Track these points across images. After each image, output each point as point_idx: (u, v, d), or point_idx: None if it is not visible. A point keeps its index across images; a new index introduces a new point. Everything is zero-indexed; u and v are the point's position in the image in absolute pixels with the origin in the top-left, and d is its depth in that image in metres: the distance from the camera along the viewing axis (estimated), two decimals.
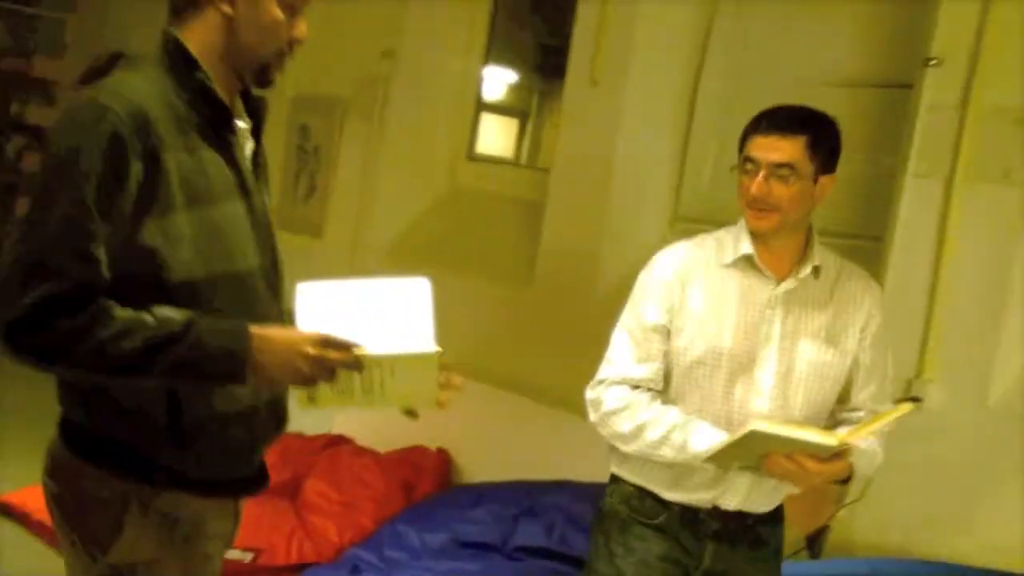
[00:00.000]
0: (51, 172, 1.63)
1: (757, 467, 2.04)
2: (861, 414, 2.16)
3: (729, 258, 2.11)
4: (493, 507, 3.74)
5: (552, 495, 3.72)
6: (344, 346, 1.70)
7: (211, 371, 1.67)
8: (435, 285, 4.81)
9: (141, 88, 1.69)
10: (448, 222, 5.00)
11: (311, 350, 1.68)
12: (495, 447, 4.23)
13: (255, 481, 2.01)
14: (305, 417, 4.92)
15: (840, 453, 1.97)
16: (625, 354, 2.21)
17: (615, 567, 2.27)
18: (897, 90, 3.40)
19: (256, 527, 3.67)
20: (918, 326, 3.11)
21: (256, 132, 1.93)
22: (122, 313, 1.62)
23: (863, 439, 2.00)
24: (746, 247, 2.08)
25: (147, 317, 1.63)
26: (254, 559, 3.60)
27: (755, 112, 2.18)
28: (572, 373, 4.19)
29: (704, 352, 2.11)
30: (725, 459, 2.05)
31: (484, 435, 4.28)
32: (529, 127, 5.78)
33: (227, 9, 1.75)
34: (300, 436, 4.57)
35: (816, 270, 2.08)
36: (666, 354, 2.16)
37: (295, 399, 1.77)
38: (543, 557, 3.51)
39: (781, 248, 2.07)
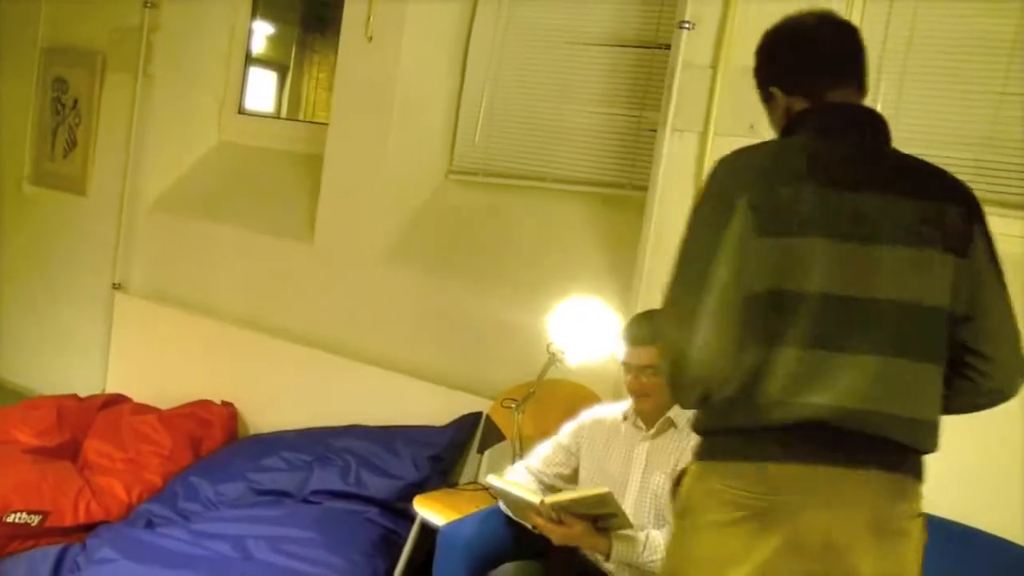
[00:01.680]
0: None
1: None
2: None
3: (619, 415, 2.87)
4: (287, 455, 3.83)
5: (343, 439, 3.86)
6: None
7: None
8: (211, 241, 4.83)
9: None
10: (221, 177, 4.97)
11: None
12: (281, 397, 4.31)
13: None
14: (78, 379, 4.89)
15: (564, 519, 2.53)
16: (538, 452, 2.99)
17: None
18: (657, 51, 3.71)
19: (39, 490, 3.63)
20: None
21: None
22: None
23: (564, 502, 2.52)
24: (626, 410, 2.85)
25: None
26: (41, 522, 3.55)
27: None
28: (354, 323, 4.35)
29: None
30: (514, 510, 2.73)
31: (269, 386, 4.35)
32: (288, 80, 5.78)
33: None
34: (74, 397, 4.47)
35: (669, 421, 2.73)
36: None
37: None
38: (340, 499, 3.64)
39: (653, 411, 2.76)
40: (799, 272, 1.75)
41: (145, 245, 4.97)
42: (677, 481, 1.93)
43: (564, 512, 2.49)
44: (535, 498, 2.53)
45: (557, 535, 2.52)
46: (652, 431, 2.75)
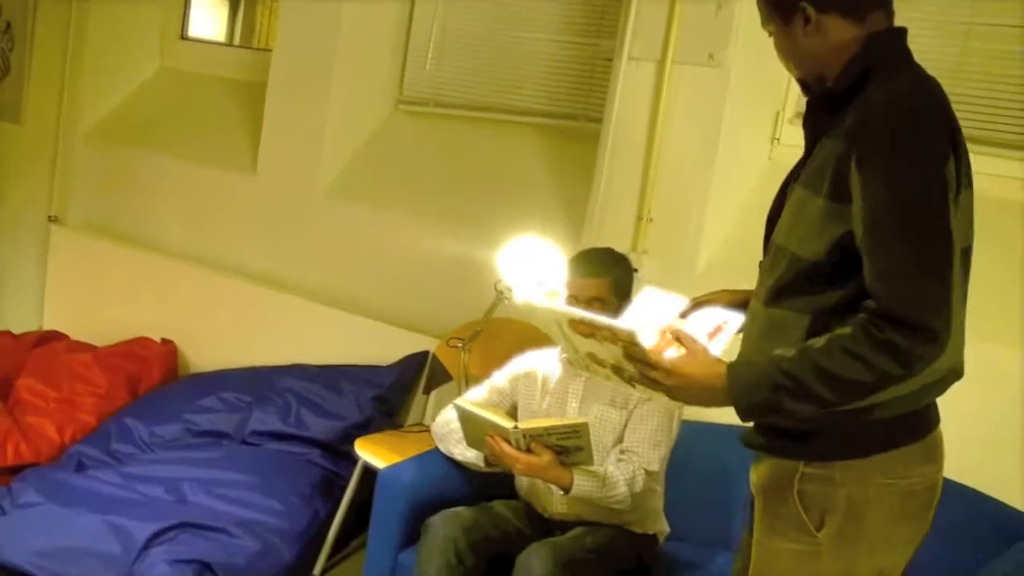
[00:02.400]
0: None
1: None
2: (632, 455, 2.55)
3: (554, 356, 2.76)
4: (225, 395, 3.69)
5: (284, 379, 3.72)
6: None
7: None
8: (151, 171, 4.63)
9: None
10: (162, 105, 4.75)
11: None
12: (222, 335, 4.16)
13: None
14: (13, 316, 4.70)
15: (533, 448, 2.38)
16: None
17: None
18: None
19: None
20: (633, 202, 3.30)
21: None
22: None
23: (538, 429, 2.38)
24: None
25: None
26: None
27: None
28: (298, 259, 4.19)
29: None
30: (473, 441, 2.53)
31: (210, 323, 4.19)
32: (241, 8, 5.54)
33: None
34: (7, 334, 4.31)
35: None
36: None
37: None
38: (279, 440, 3.52)
39: None
40: (969, 226, 1.64)
41: (82, 176, 4.75)
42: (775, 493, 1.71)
43: (534, 440, 2.38)
44: (507, 423, 2.40)
45: (522, 464, 2.38)
46: None
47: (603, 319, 1.70)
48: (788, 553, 1.66)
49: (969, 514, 2.54)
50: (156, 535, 2.91)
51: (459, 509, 2.55)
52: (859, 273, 1.54)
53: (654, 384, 1.65)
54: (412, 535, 2.61)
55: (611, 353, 1.71)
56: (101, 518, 2.96)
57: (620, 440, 2.60)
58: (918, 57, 1.68)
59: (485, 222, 3.60)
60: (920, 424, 1.66)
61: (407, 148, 4.08)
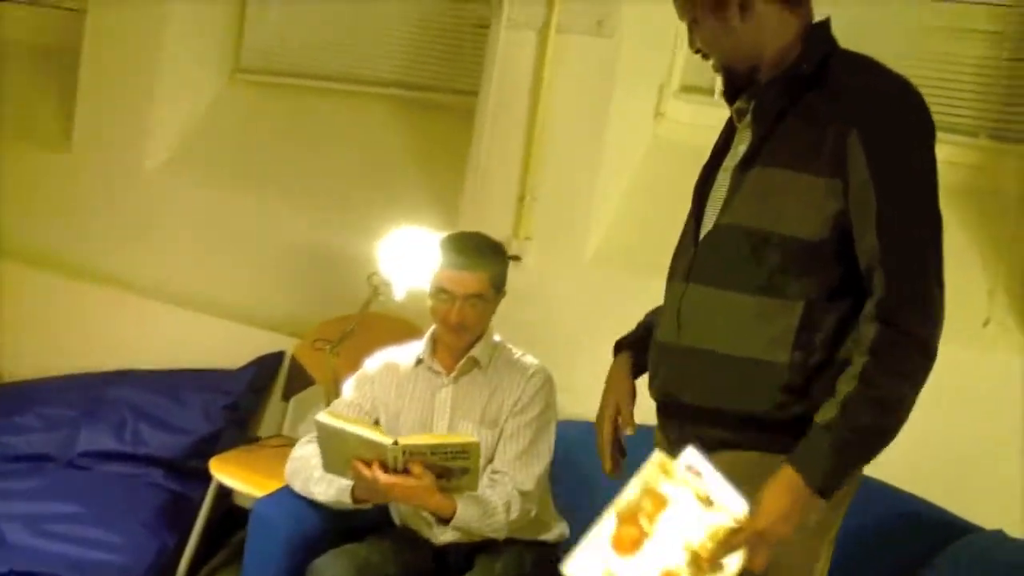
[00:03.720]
0: None
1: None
2: (503, 476, 2.27)
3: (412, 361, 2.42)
4: (46, 410, 3.20)
5: (116, 388, 3.26)
6: None
7: None
8: None
9: None
10: None
11: None
12: (39, 337, 3.64)
13: None
14: None
15: (412, 469, 2.05)
16: None
17: None
18: None
19: None
20: (513, 184, 3.00)
21: None
22: None
23: (422, 447, 2.06)
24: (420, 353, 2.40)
25: None
26: None
27: None
28: (126, 248, 3.70)
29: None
30: (335, 466, 2.13)
31: (24, 323, 3.68)
32: None
33: None
34: None
35: (473, 361, 2.34)
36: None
37: None
38: (114, 461, 3.07)
39: (455, 350, 2.36)
40: None
41: None
42: None
43: (414, 460, 2.04)
44: (384, 438, 2.03)
45: (399, 490, 2.05)
46: (453, 374, 2.34)
47: None
48: None
49: (898, 514, 2.40)
50: None
51: (348, 548, 2.21)
52: (850, 255, 1.55)
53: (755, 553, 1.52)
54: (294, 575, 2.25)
55: None
56: None
57: (491, 461, 2.31)
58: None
59: (343, 206, 3.26)
60: None
61: (249, 122, 3.67)
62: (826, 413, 1.50)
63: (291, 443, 3.01)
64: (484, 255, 2.31)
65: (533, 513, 2.27)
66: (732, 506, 1.49)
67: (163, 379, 3.28)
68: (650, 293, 2.90)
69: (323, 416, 2.08)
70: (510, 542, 2.26)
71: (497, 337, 2.42)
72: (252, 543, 2.27)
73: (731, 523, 1.48)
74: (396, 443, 2.01)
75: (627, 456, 1.88)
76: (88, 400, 3.21)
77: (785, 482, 1.49)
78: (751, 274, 1.60)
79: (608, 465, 1.87)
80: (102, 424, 3.13)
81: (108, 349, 3.46)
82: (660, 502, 1.52)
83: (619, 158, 3.02)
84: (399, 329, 3.02)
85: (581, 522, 2.53)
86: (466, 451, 2.04)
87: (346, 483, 2.20)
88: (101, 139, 3.69)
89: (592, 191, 2.97)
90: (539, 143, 2.97)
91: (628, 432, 1.86)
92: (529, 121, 2.97)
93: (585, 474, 2.60)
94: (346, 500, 2.22)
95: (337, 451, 2.09)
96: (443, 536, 2.28)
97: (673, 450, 1.69)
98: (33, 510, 2.78)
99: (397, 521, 2.40)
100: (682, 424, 1.69)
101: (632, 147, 3.07)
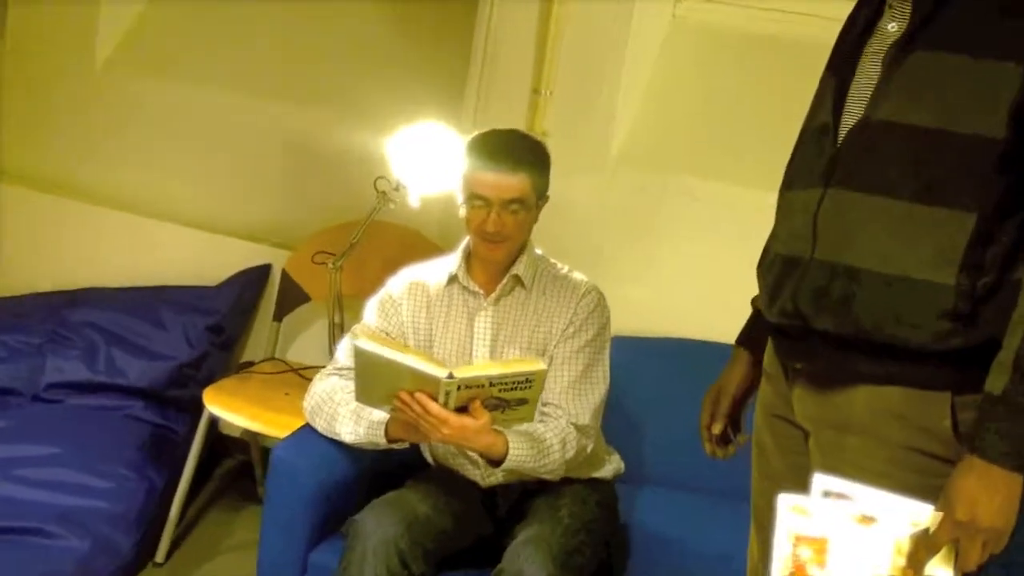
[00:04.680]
0: None
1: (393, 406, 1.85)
2: (556, 409, 2.02)
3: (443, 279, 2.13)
4: (4, 337, 2.84)
5: (81, 310, 2.92)
6: None
7: None
8: None
9: None
10: None
11: None
12: None
13: None
14: None
15: (470, 407, 1.79)
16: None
17: None
18: None
19: None
20: (527, 74, 2.68)
21: None
22: None
23: (481, 378, 1.77)
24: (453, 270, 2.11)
25: None
26: None
27: None
28: (78, 151, 3.28)
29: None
30: (372, 398, 1.87)
31: None
32: None
33: None
34: None
35: (516, 279, 2.08)
36: None
37: None
38: (87, 392, 2.74)
39: (493, 267, 2.09)
40: None
41: None
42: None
43: (470, 394, 1.76)
44: (439, 370, 1.74)
45: (452, 429, 1.77)
46: (494, 294, 2.06)
47: None
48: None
49: None
50: None
51: (389, 498, 1.94)
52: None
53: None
54: (322, 528, 1.98)
55: None
56: None
57: None
58: None
59: (334, 100, 2.93)
60: None
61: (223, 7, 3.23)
62: (997, 380, 1.25)
63: (287, 368, 2.75)
64: (524, 155, 2.02)
65: (590, 449, 2.03)
66: (906, 510, 1.25)
67: (134, 298, 2.95)
68: (685, 197, 2.66)
69: (363, 342, 1.78)
70: (566, 481, 2.02)
71: (539, 250, 2.14)
72: (274, 492, 1.98)
73: (914, 528, 1.23)
74: (451, 376, 1.73)
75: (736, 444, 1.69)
76: (50, 324, 2.87)
77: (976, 474, 1.25)
78: (913, 178, 1.34)
79: (707, 448, 1.68)
80: (70, 351, 2.80)
81: (67, 266, 3.09)
82: (820, 546, 1.26)
83: (644, 45, 2.72)
84: (401, 238, 2.73)
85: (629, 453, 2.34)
86: (530, 379, 1.76)
87: (378, 417, 1.94)
88: (36, 25, 3.27)
89: (617, 80, 2.67)
90: (556, 28, 2.65)
91: (715, 430, 1.66)
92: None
93: (625, 398, 2.39)
94: (379, 439, 1.95)
95: (377, 381, 1.81)
96: (490, 478, 2.03)
97: (791, 382, 1.48)
98: (2, 454, 2.46)
99: (430, 459, 2.13)
100: (811, 353, 1.43)
101: (653, 35, 2.77)
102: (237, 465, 3.10)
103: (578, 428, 1.98)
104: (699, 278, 2.65)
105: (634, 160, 2.70)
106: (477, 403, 1.76)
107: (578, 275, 2.11)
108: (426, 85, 2.87)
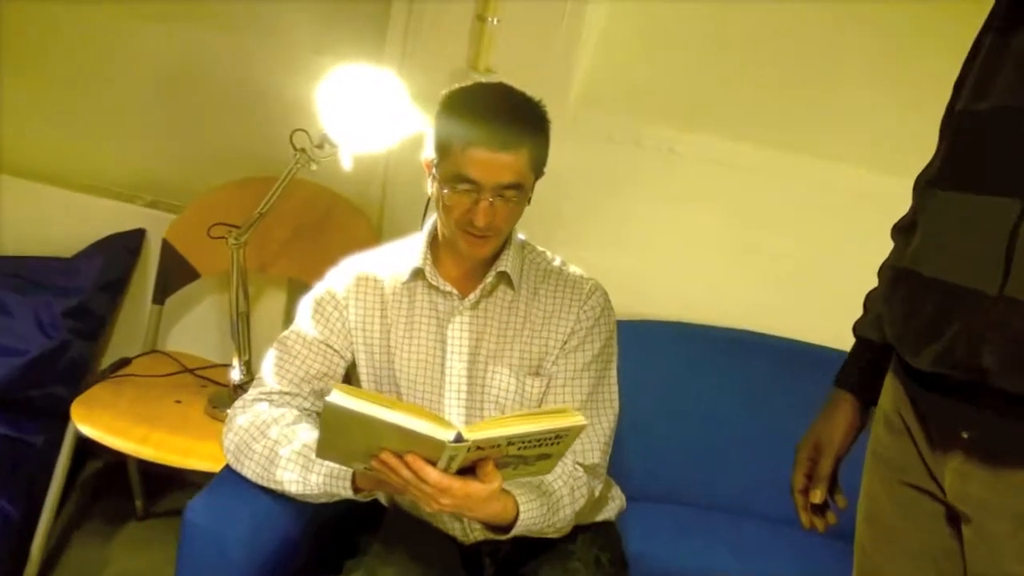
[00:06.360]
0: None
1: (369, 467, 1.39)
2: None
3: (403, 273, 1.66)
4: None
5: None
6: None
7: None
8: None
9: None
10: None
11: None
12: None
13: None
14: None
15: (479, 469, 1.32)
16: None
17: None
18: None
19: None
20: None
21: None
22: None
23: (499, 439, 1.27)
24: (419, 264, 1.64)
25: None
26: None
27: None
28: None
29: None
30: (342, 455, 1.41)
31: None
32: None
33: None
34: None
35: (503, 277, 1.63)
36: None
37: None
38: None
39: (471, 260, 1.62)
40: None
41: None
42: None
43: (485, 456, 1.30)
44: (444, 432, 1.25)
45: (456, 498, 1.30)
46: (473, 295, 1.60)
47: None
48: None
49: None
50: None
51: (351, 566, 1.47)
52: None
53: None
54: None
55: None
56: None
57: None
58: None
59: (224, 19, 2.33)
60: None
61: None
62: None
63: (179, 368, 2.20)
64: (526, 124, 1.50)
65: (598, 492, 1.59)
66: None
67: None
68: (662, 150, 2.23)
69: (338, 396, 1.25)
70: (572, 532, 1.58)
71: (522, 236, 1.66)
72: (187, 566, 1.48)
73: None
74: (462, 437, 1.25)
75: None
76: None
77: None
78: None
79: (803, 518, 1.34)
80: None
81: None
82: None
83: None
84: (314, 200, 2.22)
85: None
86: (561, 436, 1.31)
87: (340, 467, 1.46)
88: None
89: (581, 5, 2.19)
90: None
91: (816, 500, 1.31)
92: None
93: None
94: (341, 491, 1.47)
95: (352, 438, 1.32)
96: (474, 533, 1.58)
97: (943, 450, 1.12)
98: None
99: (386, 503, 1.66)
100: (989, 420, 1.07)
101: None
102: (104, 469, 2.56)
103: (586, 468, 1.55)
104: (680, 248, 2.24)
105: (599, 103, 2.25)
106: (490, 465, 1.29)
107: (575, 269, 1.65)
108: (337, 10, 2.32)
